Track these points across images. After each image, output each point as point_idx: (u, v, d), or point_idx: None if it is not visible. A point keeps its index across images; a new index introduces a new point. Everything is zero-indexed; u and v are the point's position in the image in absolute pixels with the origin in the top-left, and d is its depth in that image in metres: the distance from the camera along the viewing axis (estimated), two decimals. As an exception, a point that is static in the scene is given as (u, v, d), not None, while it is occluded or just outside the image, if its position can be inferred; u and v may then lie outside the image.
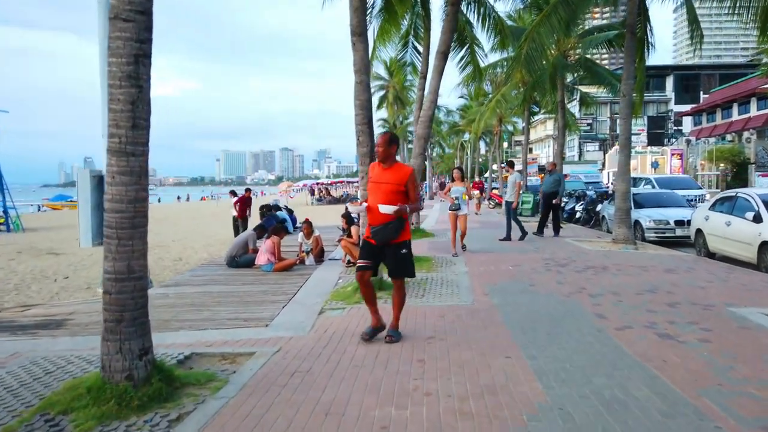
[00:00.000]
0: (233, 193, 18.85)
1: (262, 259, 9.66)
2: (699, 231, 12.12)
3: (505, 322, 5.82)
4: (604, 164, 55.76)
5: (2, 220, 28.88)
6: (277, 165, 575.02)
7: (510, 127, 54.21)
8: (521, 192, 26.02)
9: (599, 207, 19.40)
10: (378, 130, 77.02)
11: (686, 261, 10.45)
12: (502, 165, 14.51)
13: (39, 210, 63.53)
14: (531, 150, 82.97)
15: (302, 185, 56.27)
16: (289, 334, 5.59)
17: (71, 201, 68.98)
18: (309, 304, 6.99)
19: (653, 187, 21.07)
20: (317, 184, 57.63)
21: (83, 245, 8.97)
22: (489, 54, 23.40)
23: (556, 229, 15.15)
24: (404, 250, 5.18)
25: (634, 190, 16.51)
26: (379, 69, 61.72)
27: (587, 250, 11.72)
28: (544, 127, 77.45)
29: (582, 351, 4.77)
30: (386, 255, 5.17)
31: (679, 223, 14.50)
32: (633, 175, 25.49)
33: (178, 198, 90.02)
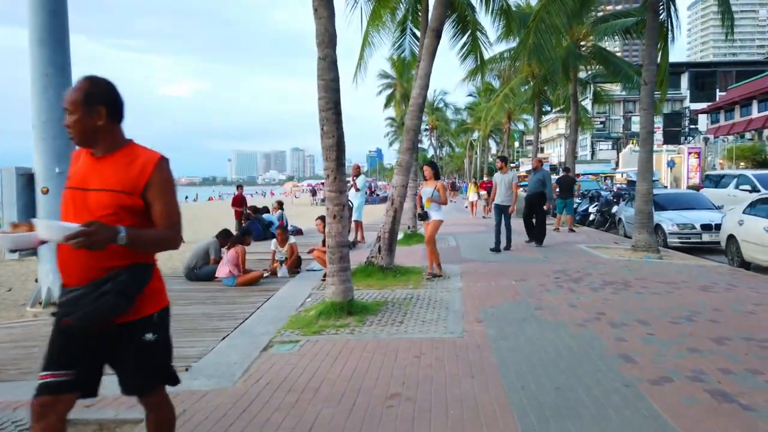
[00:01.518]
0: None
1: (223, 271, 8.28)
2: (731, 237, 10.58)
3: (501, 367, 4.37)
4: (617, 163, 53.97)
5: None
6: (288, 165, 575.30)
7: (521, 126, 52.61)
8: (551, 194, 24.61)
9: (615, 209, 17.84)
10: (384, 129, 76.01)
11: (721, 274, 8.92)
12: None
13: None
14: (542, 149, 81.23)
15: (306, 185, 54.91)
16: (209, 384, 4.18)
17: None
18: (257, 333, 5.59)
19: (756, 187, 16.45)
20: (322, 184, 56.23)
21: (8, 256, 7.65)
22: (494, 44, 21.98)
23: (539, 238, 12.48)
24: (150, 335, 2.39)
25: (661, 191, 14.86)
26: (385, 66, 60.65)
27: (604, 260, 10.21)
28: (556, 126, 75.63)
29: (606, 424, 3.32)
30: (112, 351, 2.38)
31: (706, 227, 12.96)
32: (723, 171, 23.12)
33: (186, 198, 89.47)
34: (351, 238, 13.12)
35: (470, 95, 50.52)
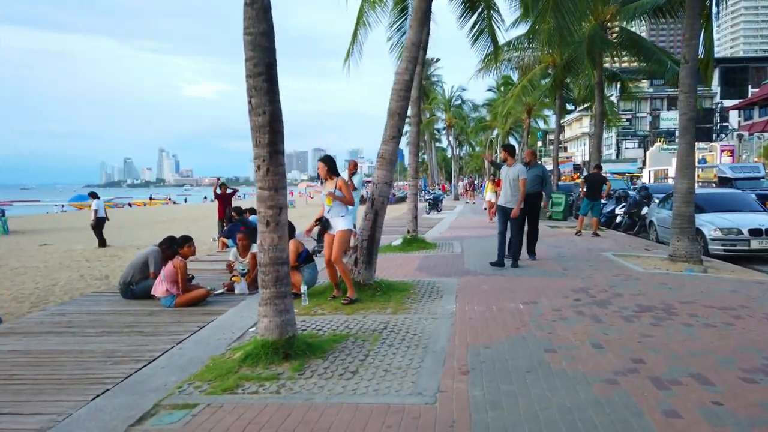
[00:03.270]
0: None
1: (159, 289, 6.69)
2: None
3: (479, 474, 2.67)
4: (644, 162, 51.45)
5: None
6: (310, 165, 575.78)
7: (542, 124, 50.41)
8: (551, 193, 22.58)
9: (645, 210, 15.89)
10: (406, 127, 74.90)
11: (788, 294, 7.05)
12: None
13: (62, 210, 62.97)
14: (565, 148, 78.68)
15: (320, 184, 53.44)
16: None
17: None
18: (149, 388, 3.97)
19: None
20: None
21: None
22: (511, 29, 20.14)
23: (531, 249, 9.92)
24: None
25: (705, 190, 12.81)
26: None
27: (636, 273, 8.39)
28: (580, 125, 73.06)
29: None
30: None
31: (756, 232, 11.05)
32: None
33: (205, 198, 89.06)
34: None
35: (489, 90, 48.53)
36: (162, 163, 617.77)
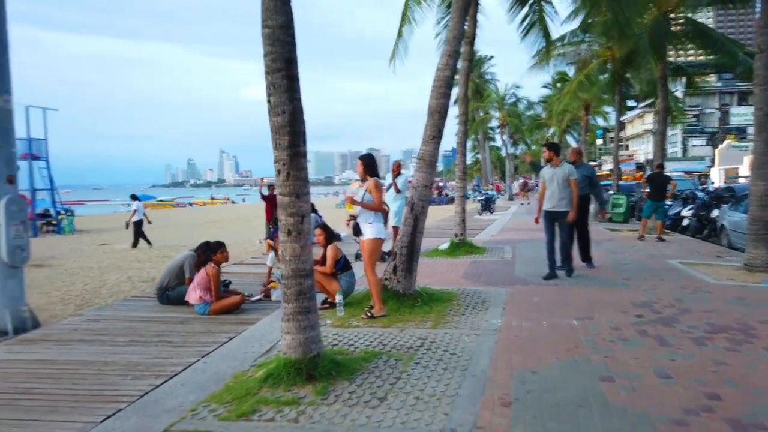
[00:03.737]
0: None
1: (192, 296, 6.50)
2: None
3: None
4: (713, 161, 48.59)
5: (54, 222, 28.04)
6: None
7: (601, 121, 48.49)
8: (611, 193, 21.43)
9: (715, 213, 14.74)
10: (455, 127, 74.08)
11: None
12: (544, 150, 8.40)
13: (130, 209, 65.69)
14: (627, 146, 75.51)
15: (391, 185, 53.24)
16: None
17: (160, 200, 71.91)
18: (163, 409, 3.70)
19: None
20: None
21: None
22: (565, 23, 19.21)
23: (585, 257, 9.26)
24: None
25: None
26: (460, 65, 58.29)
27: (707, 285, 7.60)
28: (642, 122, 69.92)
29: None
30: None
31: None
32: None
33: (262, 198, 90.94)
34: (387, 248, 11.11)
35: (545, 87, 47.08)
36: (223, 164, 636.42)
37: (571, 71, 31.11)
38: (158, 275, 11.36)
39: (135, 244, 17.42)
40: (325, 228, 6.88)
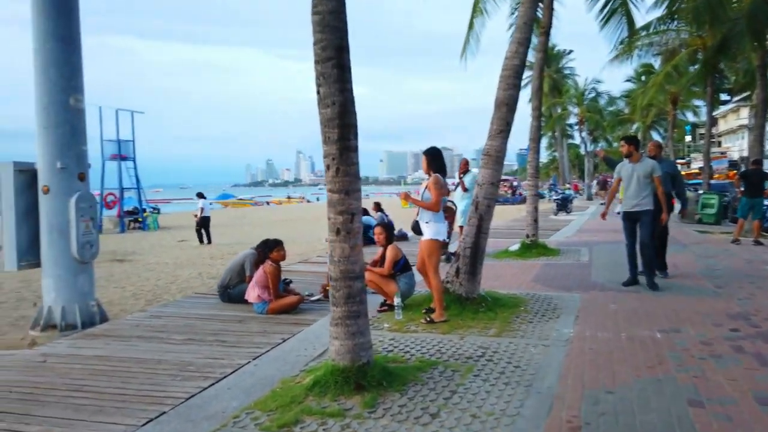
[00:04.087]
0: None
1: (251, 294, 6.43)
2: None
3: None
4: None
5: (140, 219, 29.58)
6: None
7: (691, 116, 45.52)
8: (701, 193, 19.81)
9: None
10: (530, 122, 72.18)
11: None
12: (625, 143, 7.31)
13: (211, 207, 68.87)
14: (719, 143, 70.45)
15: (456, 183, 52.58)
16: None
17: (240, 199, 74.89)
18: (206, 414, 3.55)
19: None
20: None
21: (7, 267, 6.48)
22: (651, 10, 17.94)
23: (660, 262, 8.08)
24: None
25: None
26: (533, 57, 56.54)
27: (815, 296, 6.70)
28: (737, 116, 64.96)
29: None
30: None
31: None
32: None
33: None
34: (453, 248, 10.72)
35: (628, 80, 44.68)
36: (299, 164, 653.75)
37: (657, 63, 29.27)
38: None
39: (201, 240, 18.01)
40: (386, 227, 6.62)
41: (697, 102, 36.08)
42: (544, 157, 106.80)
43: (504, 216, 25.39)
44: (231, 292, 6.92)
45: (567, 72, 56.59)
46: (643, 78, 36.41)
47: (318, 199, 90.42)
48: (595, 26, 12.93)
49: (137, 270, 12.25)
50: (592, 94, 50.32)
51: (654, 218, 7.35)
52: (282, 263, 6.67)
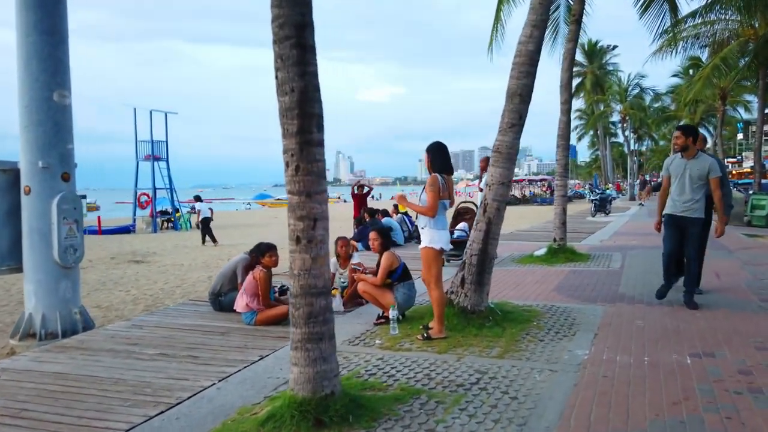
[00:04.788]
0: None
1: (240, 303, 5.96)
2: None
3: None
4: None
5: (172, 219, 29.81)
6: (476, 164, 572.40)
7: (743, 112, 43.21)
8: (752, 193, 18.44)
9: None
10: (574, 122, 69.55)
11: None
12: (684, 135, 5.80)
13: (247, 207, 69.83)
14: (772, 140, 66.84)
15: (478, 183, 51.51)
16: None
17: (277, 199, 75.53)
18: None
19: None
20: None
21: (-10, 272, 6.20)
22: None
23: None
24: None
25: None
26: (576, 54, 54.86)
27: None
28: (793, 111, 61.57)
29: None
30: None
31: None
32: None
33: (372, 197, 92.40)
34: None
35: (674, 75, 42.69)
36: (339, 164, 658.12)
37: (705, 56, 27.69)
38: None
39: (204, 241, 18.52)
40: (381, 232, 6.04)
41: (749, 97, 34.05)
42: (587, 156, 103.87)
43: (540, 217, 24.40)
44: (222, 300, 6.47)
45: (610, 68, 54.66)
46: (690, 71, 34.61)
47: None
48: (635, 15, 12.06)
49: (150, 272, 12.03)
50: (636, 90, 48.42)
51: (705, 229, 6.31)
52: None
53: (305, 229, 3.25)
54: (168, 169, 29.30)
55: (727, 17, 19.12)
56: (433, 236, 4.98)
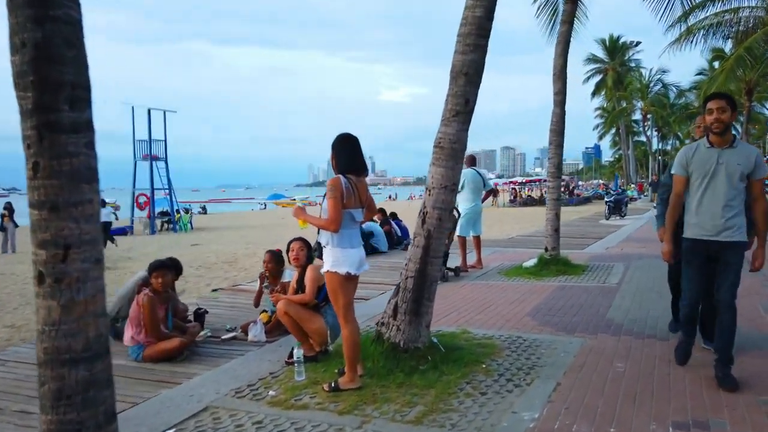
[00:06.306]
0: None
1: (126, 335, 4.88)
2: None
3: None
4: None
5: (171, 221, 29.07)
6: (498, 164, 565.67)
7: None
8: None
9: None
10: (593, 121, 67.33)
11: None
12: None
13: (262, 207, 69.51)
14: (804, 138, 63.81)
15: (493, 184, 49.97)
16: None
17: (293, 199, 75.13)
18: None
19: None
20: (511, 182, 50.82)
21: None
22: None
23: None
24: None
25: None
26: (596, 50, 52.96)
27: None
28: (826, 107, 58.57)
29: None
30: None
31: None
32: None
33: (389, 197, 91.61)
34: (456, 262, 8.89)
35: (700, 73, 40.71)
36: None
37: (728, 47, 25.97)
38: (203, 284, 10.20)
39: (104, 245, 18.16)
40: (305, 241, 4.91)
41: (778, 92, 32.10)
42: (609, 155, 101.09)
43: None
44: (119, 326, 5.39)
45: (633, 65, 52.71)
46: (716, 64, 32.77)
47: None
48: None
49: (110, 280, 11.05)
50: (658, 87, 46.45)
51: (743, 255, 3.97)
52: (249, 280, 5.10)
53: (50, 261, 2.12)
54: (167, 169, 28.57)
55: (753, 4, 17.58)
56: (337, 257, 3.82)
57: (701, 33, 19.14)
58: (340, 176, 3.84)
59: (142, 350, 4.75)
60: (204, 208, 53.39)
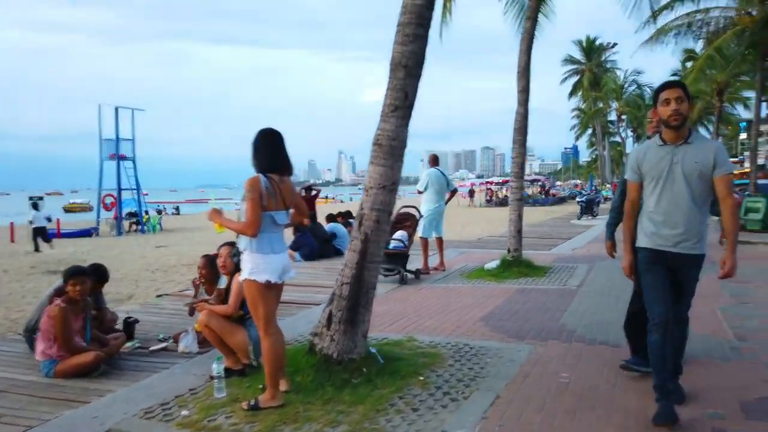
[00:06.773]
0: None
1: (38, 348, 4.49)
2: None
3: None
4: None
5: (138, 222, 28.33)
6: (478, 164, 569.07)
7: (743, 111, 41.53)
8: (747, 194, 16.88)
9: None
10: (572, 121, 67.88)
11: None
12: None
13: (237, 208, 68.38)
14: (775, 138, 65.01)
15: (470, 184, 49.85)
16: None
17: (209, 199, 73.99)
18: None
19: None
20: (487, 183, 50.81)
21: None
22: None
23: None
24: None
25: None
26: (574, 52, 53.24)
27: None
28: (796, 109, 59.73)
29: None
30: None
31: None
32: None
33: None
34: (419, 264, 8.62)
35: (674, 74, 41.05)
36: (341, 165, 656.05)
37: (700, 47, 26.14)
38: (153, 289, 9.74)
39: (36, 249, 18.37)
40: (235, 247, 4.57)
41: (749, 93, 32.46)
42: (587, 155, 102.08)
43: (529, 219, 22.89)
44: (35, 336, 4.99)
45: (608, 65, 53.10)
46: (688, 65, 33.05)
47: (351, 199, 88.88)
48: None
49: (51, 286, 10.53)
50: (633, 87, 46.79)
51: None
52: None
53: None
54: (135, 169, 27.87)
55: (723, 4, 17.63)
56: (256, 264, 3.50)
57: (672, 33, 19.15)
58: (260, 176, 3.51)
59: (54, 365, 4.36)
60: (177, 209, 52.39)
